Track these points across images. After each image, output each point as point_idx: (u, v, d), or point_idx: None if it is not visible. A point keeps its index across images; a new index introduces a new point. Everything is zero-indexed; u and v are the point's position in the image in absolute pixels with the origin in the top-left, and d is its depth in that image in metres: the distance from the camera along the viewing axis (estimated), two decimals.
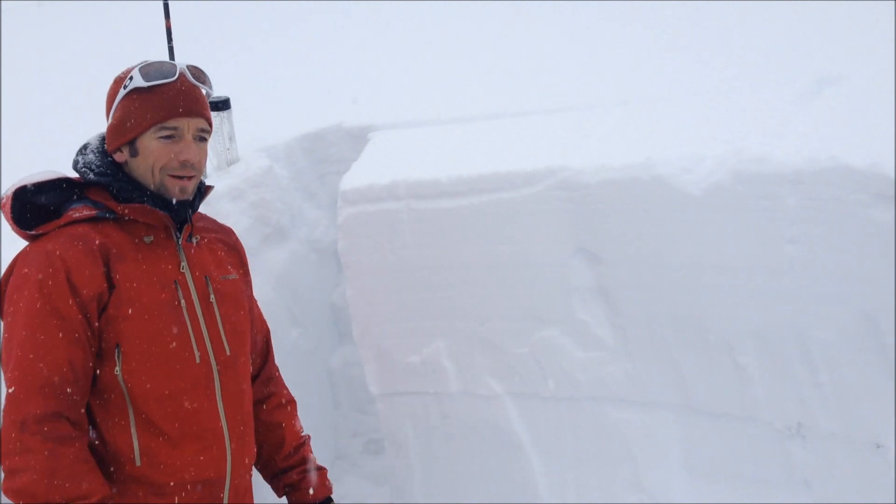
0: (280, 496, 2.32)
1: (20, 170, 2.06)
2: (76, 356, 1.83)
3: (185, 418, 1.93)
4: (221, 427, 1.98)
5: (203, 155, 2.03)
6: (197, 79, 2.01)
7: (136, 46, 3.50)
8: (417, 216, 2.66)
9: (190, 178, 1.98)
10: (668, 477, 2.61)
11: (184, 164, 1.96)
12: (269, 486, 2.32)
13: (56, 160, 2.13)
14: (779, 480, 2.49)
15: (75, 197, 1.99)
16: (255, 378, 2.27)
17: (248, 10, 6.09)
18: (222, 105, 3.22)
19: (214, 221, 2.25)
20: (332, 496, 2.30)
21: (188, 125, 1.97)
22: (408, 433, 2.91)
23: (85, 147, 2.05)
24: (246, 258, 2.27)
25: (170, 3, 3.29)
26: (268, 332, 2.36)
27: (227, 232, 2.26)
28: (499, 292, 2.64)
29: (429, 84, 4.05)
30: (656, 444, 2.61)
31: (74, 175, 2.03)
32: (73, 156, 2.04)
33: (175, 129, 1.96)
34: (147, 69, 1.97)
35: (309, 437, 2.34)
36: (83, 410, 1.87)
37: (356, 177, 2.77)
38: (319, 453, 3.58)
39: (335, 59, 4.82)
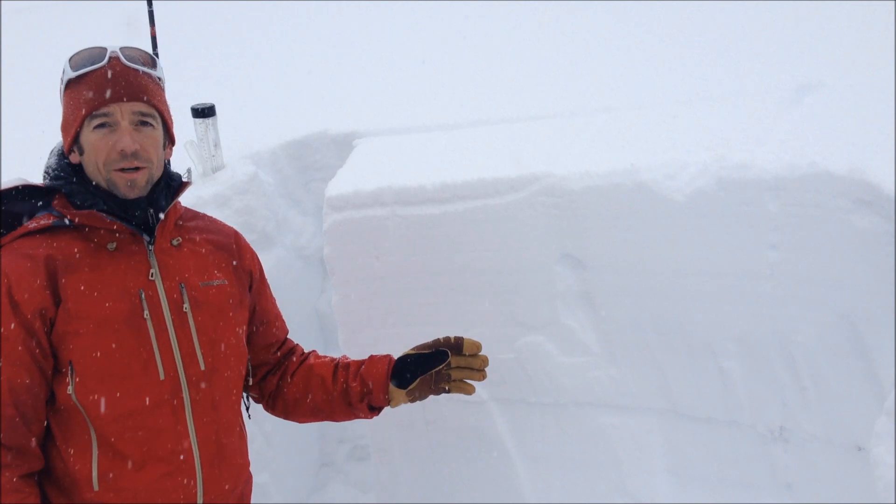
0: (371, 414, 2.25)
1: (20, 170, 2.01)
2: (17, 377, 1.71)
3: (148, 440, 1.80)
4: (191, 448, 1.84)
5: (149, 142, 1.83)
6: (135, 60, 1.84)
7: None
8: (403, 222, 2.66)
9: (137, 169, 1.81)
10: (652, 480, 2.63)
11: (123, 155, 1.78)
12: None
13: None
14: (762, 483, 2.51)
15: (43, 204, 1.86)
16: (271, 366, 2.22)
17: (233, 17, 6.09)
18: (207, 112, 3.21)
19: (215, 222, 2.11)
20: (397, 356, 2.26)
21: (121, 110, 1.79)
22: (393, 439, 2.91)
23: (53, 150, 1.93)
24: (248, 259, 2.11)
25: (156, 9, 3.29)
26: (286, 332, 2.28)
27: (223, 232, 2.09)
28: (484, 298, 2.65)
29: (413, 91, 4.05)
30: (641, 448, 2.63)
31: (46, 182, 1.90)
32: None
33: (108, 116, 1.79)
34: (76, 58, 1.83)
35: (343, 357, 2.31)
36: (30, 433, 1.75)
37: (342, 183, 2.77)
38: (305, 460, 3.59)
39: (320, 65, 4.81)
